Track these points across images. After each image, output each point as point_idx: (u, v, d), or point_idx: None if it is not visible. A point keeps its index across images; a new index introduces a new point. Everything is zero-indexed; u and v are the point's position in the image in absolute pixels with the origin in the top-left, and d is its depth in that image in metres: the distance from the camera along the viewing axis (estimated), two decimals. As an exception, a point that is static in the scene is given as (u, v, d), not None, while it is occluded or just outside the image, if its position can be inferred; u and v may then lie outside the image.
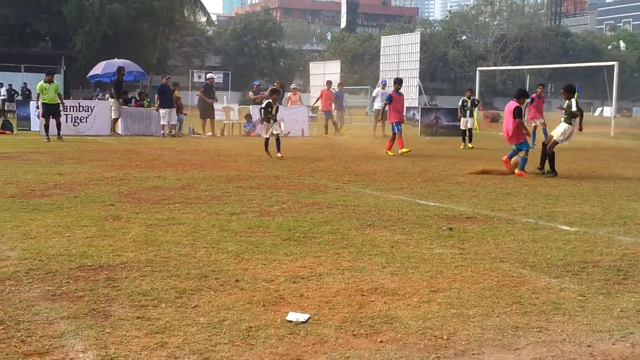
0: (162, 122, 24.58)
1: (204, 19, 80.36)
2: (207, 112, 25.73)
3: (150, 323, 4.45)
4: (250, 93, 29.22)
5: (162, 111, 24.47)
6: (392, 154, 17.74)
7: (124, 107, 24.59)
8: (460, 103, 22.31)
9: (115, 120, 24.68)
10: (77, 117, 24.26)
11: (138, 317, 4.55)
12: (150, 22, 62.46)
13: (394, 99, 18.68)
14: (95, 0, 56.22)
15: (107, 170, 13.20)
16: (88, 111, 24.57)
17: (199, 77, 35.09)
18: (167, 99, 24.51)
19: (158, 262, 6.03)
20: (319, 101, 28.56)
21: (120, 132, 24.65)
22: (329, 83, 28.81)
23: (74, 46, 57.44)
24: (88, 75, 31.82)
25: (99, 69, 29.91)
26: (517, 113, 14.15)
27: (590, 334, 4.43)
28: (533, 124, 21.06)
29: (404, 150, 17.81)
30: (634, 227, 8.18)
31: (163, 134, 24.28)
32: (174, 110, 24.86)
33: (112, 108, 24.51)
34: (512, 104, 14.34)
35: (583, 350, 4.15)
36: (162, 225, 7.73)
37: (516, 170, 13.82)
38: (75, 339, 4.15)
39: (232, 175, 12.69)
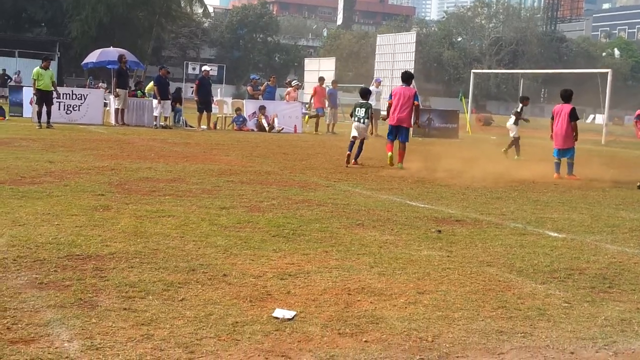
0: (154, 113, 24.54)
1: (200, 10, 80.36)
2: (204, 105, 25.65)
3: (136, 315, 4.46)
4: (249, 88, 29.20)
5: (155, 102, 24.43)
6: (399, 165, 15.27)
7: (119, 97, 24.38)
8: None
9: (121, 110, 24.49)
10: (70, 105, 24.18)
11: (125, 309, 4.56)
12: (147, 11, 62.39)
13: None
14: (92, -14, 56.06)
15: (98, 159, 13.18)
16: (81, 99, 24.50)
17: (194, 69, 35.05)
18: (164, 91, 24.50)
19: (146, 253, 6.03)
20: (312, 99, 28.39)
21: (125, 122, 24.50)
22: (322, 79, 28.64)
23: (69, 33, 57.32)
24: (82, 63, 31.74)
25: (93, 57, 29.82)
26: (574, 115, 14.75)
27: (574, 341, 4.46)
28: None
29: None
30: (621, 236, 8.23)
31: (156, 125, 24.25)
32: (168, 102, 24.85)
33: (116, 98, 24.36)
34: (567, 107, 14.80)
35: (566, 357, 4.18)
36: (151, 217, 7.73)
37: (566, 175, 14.52)
38: (61, 328, 4.15)
39: (223, 169, 12.69)
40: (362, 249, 6.74)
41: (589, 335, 4.58)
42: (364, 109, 15.10)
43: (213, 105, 26.63)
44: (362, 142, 15.10)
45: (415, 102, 15.23)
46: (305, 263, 6.06)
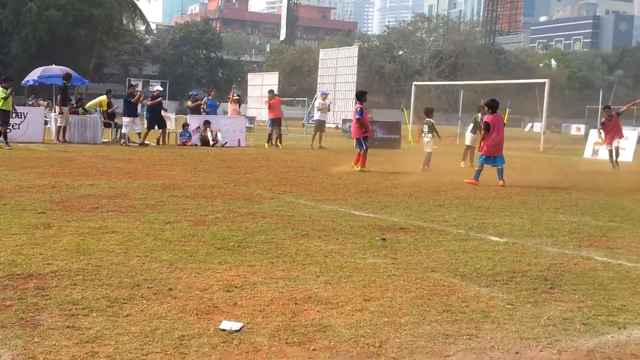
0: (123, 130, 24.58)
1: (143, 28, 79.85)
2: (156, 121, 25.48)
3: (80, 332, 4.39)
4: (189, 102, 29.08)
5: (125, 120, 24.44)
6: (358, 168, 17.34)
7: (62, 114, 24.03)
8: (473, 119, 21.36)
9: (62, 128, 24.14)
10: (10, 124, 23.67)
11: (68, 327, 4.48)
12: (89, 29, 61.71)
13: (364, 112, 18.02)
14: (33, 6, 55.28)
15: (39, 177, 12.94)
16: (21, 117, 24.02)
17: (136, 85, 34.68)
18: (133, 108, 24.62)
19: (89, 270, 5.94)
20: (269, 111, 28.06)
21: (67, 139, 24.13)
22: (272, 92, 28.65)
23: (8, 52, 56.25)
24: (22, 82, 31.17)
25: (34, 75, 29.32)
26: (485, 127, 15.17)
27: (519, 341, 4.54)
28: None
29: (358, 166, 17.35)
30: (561, 239, 8.41)
31: (124, 142, 24.19)
32: (137, 119, 24.89)
33: (59, 115, 24.02)
34: (501, 116, 15.64)
35: (511, 357, 4.25)
36: (94, 233, 7.62)
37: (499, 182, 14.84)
38: (3, 349, 4.06)
39: (167, 184, 12.58)
40: (308, 258, 6.75)
41: (533, 334, 4.67)
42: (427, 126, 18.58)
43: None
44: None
45: (355, 117, 17.93)
46: (251, 274, 6.04)
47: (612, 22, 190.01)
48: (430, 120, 18.89)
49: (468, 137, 20.84)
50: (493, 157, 15.12)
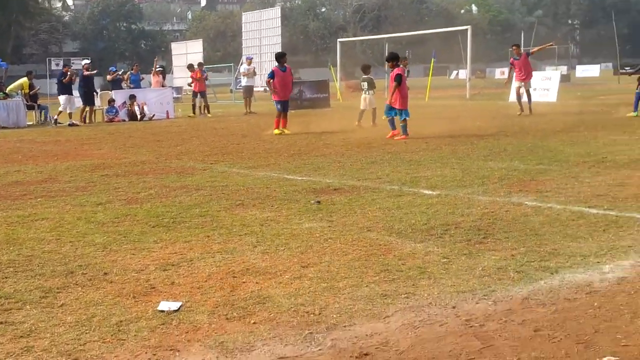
0: (60, 109, 24.49)
1: (59, 4, 77.58)
2: (89, 98, 25.02)
3: (14, 327, 4.28)
4: (108, 77, 28.57)
5: (62, 98, 24.25)
6: (279, 132, 17.22)
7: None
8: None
9: None
10: None
11: (1, 322, 4.38)
12: (3, 10, 59.65)
13: (277, 75, 17.62)
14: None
15: (-39, 168, 12.55)
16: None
17: (57, 64, 33.82)
18: (67, 87, 24.48)
19: (21, 261, 5.80)
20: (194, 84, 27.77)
21: None
22: (191, 66, 28.65)
23: None
24: None
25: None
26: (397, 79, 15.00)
27: (455, 295, 4.61)
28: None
29: (277, 131, 17.18)
30: (492, 187, 8.55)
31: (55, 120, 24.21)
32: (73, 98, 24.66)
33: None
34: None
35: (449, 312, 4.32)
36: (23, 222, 7.44)
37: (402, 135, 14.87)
38: None
39: (96, 164, 12.35)
40: (244, 229, 6.72)
41: (469, 287, 4.75)
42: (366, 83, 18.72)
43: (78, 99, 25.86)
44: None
45: (267, 79, 18.07)
46: (187, 251, 5.99)
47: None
48: (369, 76, 18.94)
49: (364, 100, 19.05)
50: (403, 110, 15.11)
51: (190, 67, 28.75)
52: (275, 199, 8.25)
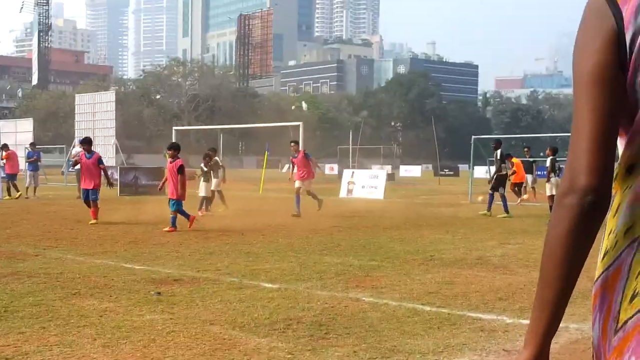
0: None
1: None
2: None
3: None
4: None
5: (29, 173, 26.20)
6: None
7: None
8: None
9: None
10: None
11: None
12: None
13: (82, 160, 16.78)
14: None
15: None
16: None
17: None
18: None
19: None
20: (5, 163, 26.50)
21: None
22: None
23: None
24: None
25: None
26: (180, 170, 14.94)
27: (301, 389, 4.70)
28: None
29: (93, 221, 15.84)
30: (329, 282, 8.79)
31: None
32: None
33: None
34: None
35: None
36: None
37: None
38: None
39: None
40: (82, 320, 6.52)
41: (314, 381, 4.85)
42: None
43: None
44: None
45: (101, 166, 16.74)
46: (22, 343, 5.72)
47: (354, 65, 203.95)
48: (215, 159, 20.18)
49: (203, 187, 19.50)
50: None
51: (4, 147, 27.39)
52: (114, 289, 8.07)
